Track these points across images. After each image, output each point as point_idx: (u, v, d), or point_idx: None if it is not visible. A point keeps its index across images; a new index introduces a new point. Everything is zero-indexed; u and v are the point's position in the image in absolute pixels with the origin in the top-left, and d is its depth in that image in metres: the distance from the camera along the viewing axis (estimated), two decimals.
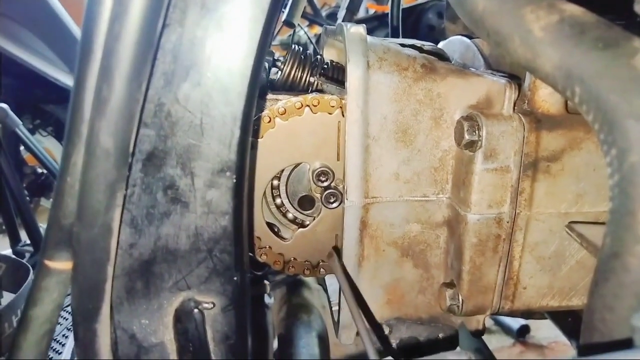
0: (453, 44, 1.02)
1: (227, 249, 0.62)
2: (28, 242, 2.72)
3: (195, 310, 0.63)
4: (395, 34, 2.34)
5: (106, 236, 0.56)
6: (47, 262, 0.57)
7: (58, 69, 3.90)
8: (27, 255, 2.61)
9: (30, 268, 1.61)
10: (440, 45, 1.07)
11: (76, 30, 3.66)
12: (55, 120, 3.95)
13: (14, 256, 1.77)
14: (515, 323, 2.52)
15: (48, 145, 3.57)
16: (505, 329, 2.56)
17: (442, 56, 0.87)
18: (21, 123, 2.69)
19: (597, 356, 0.41)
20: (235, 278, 0.63)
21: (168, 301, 0.63)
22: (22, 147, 3.15)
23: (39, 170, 3.45)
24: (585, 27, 0.50)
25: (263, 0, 0.56)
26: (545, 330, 2.50)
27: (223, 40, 0.56)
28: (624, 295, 0.47)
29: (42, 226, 2.96)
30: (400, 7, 2.34)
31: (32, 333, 0.59)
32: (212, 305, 0.63)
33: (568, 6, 0.53)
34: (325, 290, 1.19)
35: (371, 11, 4.02)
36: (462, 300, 0.82)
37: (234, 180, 0.60)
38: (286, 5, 2.09)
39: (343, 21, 3.56)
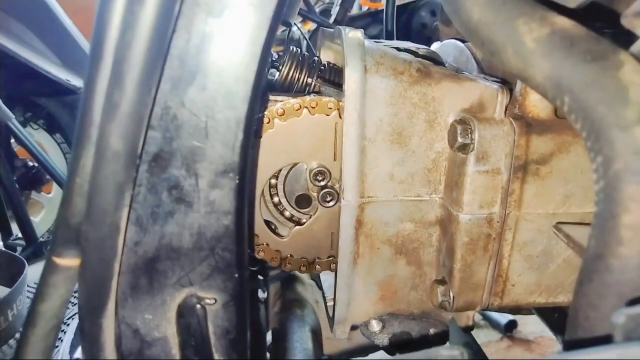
0: (447, 47, 1.05)
1: (229, 247, 0.64)
2: (20, 235, 2.72)
3: (198, 306, 0.65)
4: (389, 36, 2.36)
5: (114, 235, 0.58)
6: (56, 259, 0.59)
7: (50, 61, 3.88)
8: (19, 248, 2.61)
9: (25, 262, 1.62)
10: (435, 47, 1.09)
11: (68, 23, 3.64)
12: (46, 113, 3.93)
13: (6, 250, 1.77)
14: (503, 318, 2.56)
15: (39, 139, 3.55)
16: (493, 324, 2.61)
17: (436, 60, 0.90)
18: (13, 116, 2.68)
19: (578, 351, 0.44)
20: (236, 275, 0.65)
21: (171, 297, 0.65)
22: (12, 140, 3.13)
23: (30, 164, 3.43)
24: (575, 40, 0.53)
25: (267, 8, 0.58)
26: (531, 326, 2.55)
27: (228, 46, 0.58)
28: (607, 294, 0.50)
29: (34, 220, 2.96)
30: (395, 7, 2.37)
31: (40, 328, 0.61)
32: (214, 301, 0.65)
33: (559, 19, 0.55)
34: (320, 286, 1.22)
35: (365, 8, 4.03)
36: (453, 296, 0.84)
37: (237, 181, 0.62)
38: None
39: (336, 17, 3.56)
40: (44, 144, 3.54)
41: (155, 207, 0.62)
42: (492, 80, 0.83)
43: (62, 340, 1.50)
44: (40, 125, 3.66)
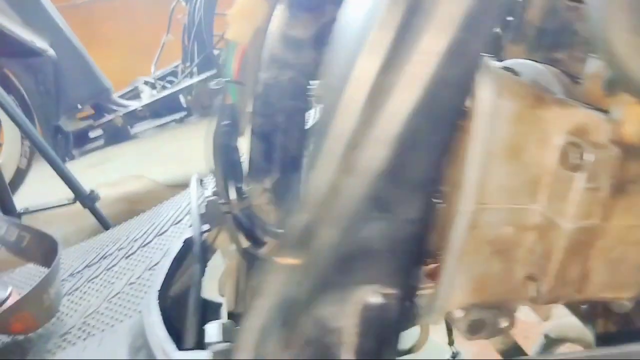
0: (522, 67, 1.16)
1: (413, 251, 0.73)
2: None
3: (380, 301, 0.73)
4: None
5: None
6: (279, 260, 0.65)
7: (12, 20, 3.67)
8: None
9: (57, 241, 1.59)
10: (507, 65, 1.20)
11: None
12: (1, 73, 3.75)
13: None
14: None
15: None
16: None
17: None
18: None
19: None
20: (415, 274, 0.74)
21: (357, 292, 0.73)
22: None
23: None
24: None
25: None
26: None
27: None
28: None
29: None
30: None
31: (257, 321, 0.67)
32: (394, 298, 0.74)
33: None
34: None
35: None
36: (545, 292, 0.98)
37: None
38: None
39: None
40: None
41: (357, 214, 0.69)
42: (593, 108, 0.96)
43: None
44: None
